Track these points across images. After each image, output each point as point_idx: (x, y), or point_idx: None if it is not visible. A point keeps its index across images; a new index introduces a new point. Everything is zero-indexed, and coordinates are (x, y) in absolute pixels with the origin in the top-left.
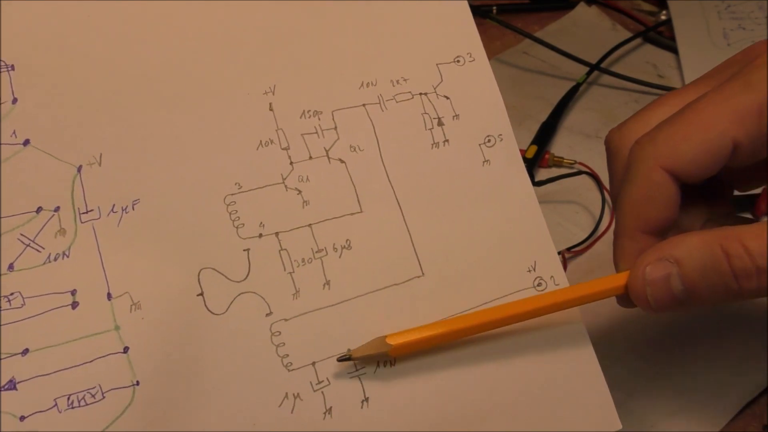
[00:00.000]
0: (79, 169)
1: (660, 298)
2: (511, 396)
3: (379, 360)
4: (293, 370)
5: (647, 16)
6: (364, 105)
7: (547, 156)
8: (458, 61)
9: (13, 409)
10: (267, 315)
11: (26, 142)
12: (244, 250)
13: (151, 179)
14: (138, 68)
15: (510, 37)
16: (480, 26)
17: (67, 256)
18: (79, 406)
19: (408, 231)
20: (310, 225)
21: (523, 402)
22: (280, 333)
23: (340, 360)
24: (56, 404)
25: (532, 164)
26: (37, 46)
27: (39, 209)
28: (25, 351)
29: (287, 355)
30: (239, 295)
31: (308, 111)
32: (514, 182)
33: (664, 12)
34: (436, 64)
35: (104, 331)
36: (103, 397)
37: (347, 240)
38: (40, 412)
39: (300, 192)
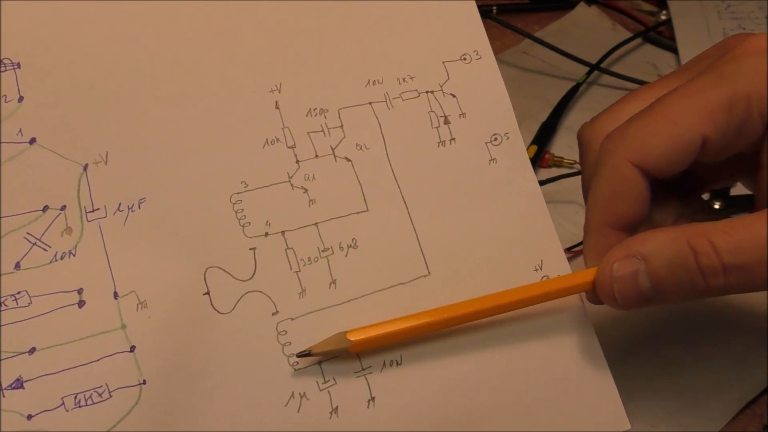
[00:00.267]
0: (86, 167)
1: (627, 296)
2: (518, 396)
3: (339, 356)
4: (299, 369)
5: (647, 16)
6: (370, 103)
7: (547, 156)
8: (465, 59)
9: (20, 408)
10: (273, 314)
11: (32, 141)
12: (250, 249)
13: (157, 178)
14: (144, 66)
15: (510, 37)
16: None
17: (74, 255)
18: (86, 405)
19: (414, 230)
20: (316, 224)
21: (530, 402)
22: (286, 332)
23: (299, 356)
24: (63, 403)
25: (532, 164)
26: (43, 44)
27: (45, 208)
28: (32, 350)
29: (293, 354)
30: (245, 294)
31: (314, 109)
32: (521, 181)
33: (664, 12)
34: (443, 62)
35: (111, 330)
36: (110, 396)
37: (353, 239)
38: (47, 410)
39: (306, 190)
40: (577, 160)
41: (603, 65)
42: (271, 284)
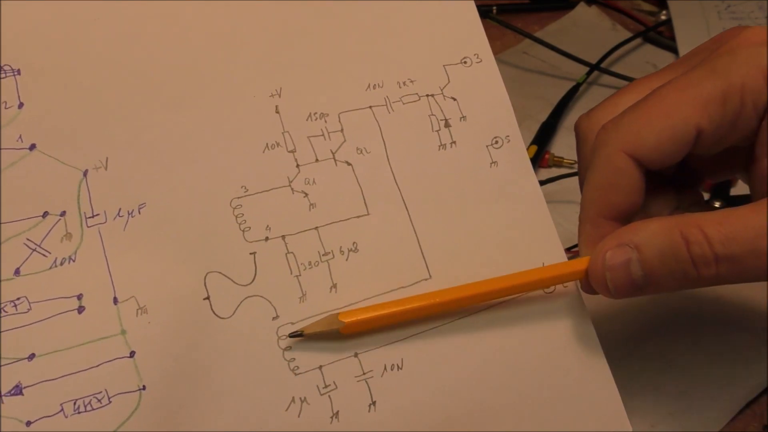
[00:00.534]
0: (85, 173)
1: (619, 284)
2: (518, 398)
3: (331, 338)
4: (300, 374)
5: (647, 16)
6: (370, 107)
7: (547, 156)
8: (465, 62)
9: (20, 414)
10: (274, 319)
11: (32, 147)
12: (250, 254)
13: (157, 183)
14: (144, 72)
15: (510, 37)
16: None
17: (73, 261)
18: (86, 411)
19: (415, 233)
20: (316, 228)
21: (531, 403)
22: (286, 337)
23: (291, 336)
24: (62, 409)
25: (532, 164)
26: (43, 50)
27: (45, 214)
28: (32, 356)
29: (294, 359)
30: (246, 298)
31: (314, 113)
32: (522, 183)
33: (664, 12)
34: (443, 66)
35: (110, 336)
36: (110, 402)
37: (354, 243)
38: (47, 417)
39: (306, 195)
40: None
41: (603, 65)
42: (271, 289)
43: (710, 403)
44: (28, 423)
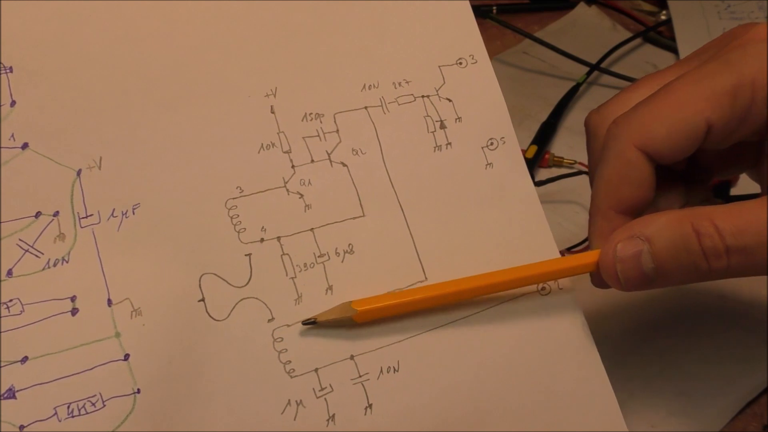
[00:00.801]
0: (79, 172)
1: (630, 276)
2: (514, 400)
3: (344, 325)
4: (296, 376)
5: (647, 16)
6: (366, 108)
7: (547, 156)
8: (461, 63)
9: (13, 418)
10: (269, 321)
11: (25, 146)
12: (245, 255)
13: (151, 183)
14: (138, 71)
15: (510, 37)
16: (480, 26)
17: (67, 262)
18: (80, 415)
19: (411, 235)
20: (312, 229)
21: (527, 405)
22: (282, 339)
23: (305, 323)
24: (56, 413)
25: (532, 164)
26: (36, 48)
27: (38, 214)
28: (25, 359)
29: (290, 362)
30: (241, 300)
31: (310, 114)
32: (517, 185)
33: (664, 12)
34: (439, 66)
35: (105, 338)
36: (104, 406)
37: (350, 244)
38: (40, 420)
39: (302, 196)
40: (577, 160)
41: (603, 65)
42: (266, 291)
43: (710, 403)
44: (22, 427)
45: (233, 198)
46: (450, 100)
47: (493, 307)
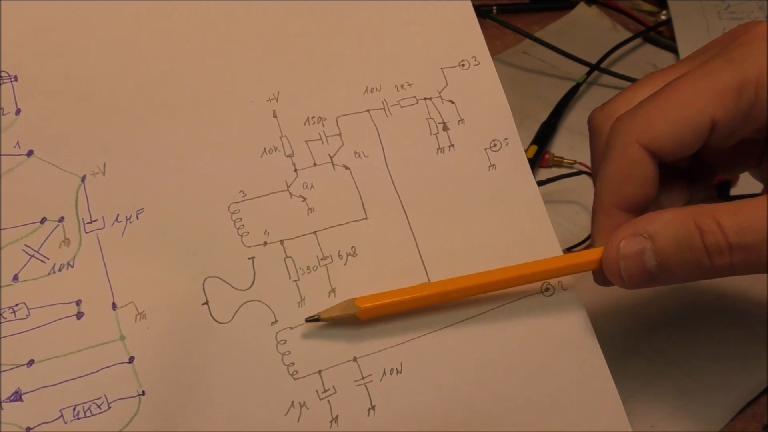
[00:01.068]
0: (83, 179)
1: (633, 273)
2: (518, 401)
3: (347, 323)
4: (299, 378)
5: (647, 16)
6: (368, 111)
7: (547, 156)
8: (463, 65)
9: (19, 421)
10: (272, 323)
11: (30, 153)
12: (248, 258)
13: (155, 188)
14: (141, 77)
15: (510, 37)
16: (480, 26)
17: (72, 267)
18: (85, 417)
19: (414, 237)
20: (315, 232)
21: (531, 406)
22: (285, 341)
23: (308, 320)
24: (62, 415)
25: (532, 164)
26: (40, 56)
27: (43, 220)
28: (31, 362)
29: (293, 364)
30: (244, 303)
31: (312, 117)
32: (521, 186)
33: (664, 12)
34: (441, 69)
35: (109, 341)
36: (109, 408)
37: (353, 247)
38: (46, 422)
39: (305, 199)
40: (577, 160)
41: (603, 65)
42: (270, 293)
43: (710, 403)
44: (28, 429)
45: (236, 202)
46: (452, 102)
47: (496, 308)
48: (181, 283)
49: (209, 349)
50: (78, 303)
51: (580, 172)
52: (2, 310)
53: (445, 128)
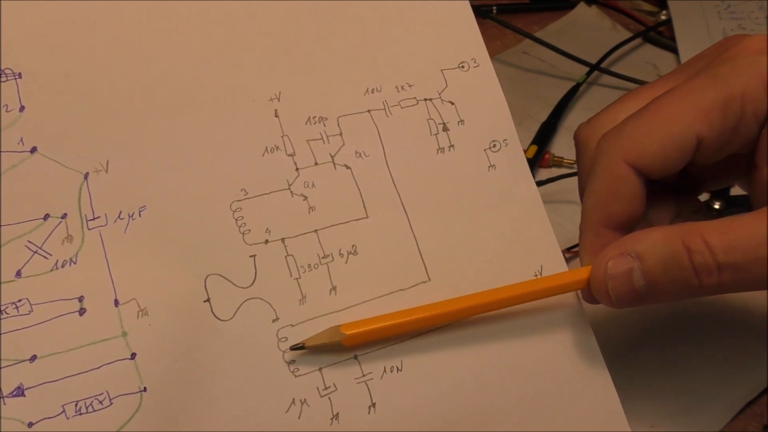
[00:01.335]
0: (86, 176)
1: (621, 294)
2: (518, 402)
3: (333, 350)
4: (300, 375)
5: (647, 16)
6: (369, 111)
7: (547, 156)
8: (463, 67)
9: (21, 416)
10: (273, 321)
11: (33, 150)
12: (250, 256)
13: (157, 186)
14: (144, 75)
15: (510, 37)
16: (480, 26)
17: (75, 263)
18: (87, 413)
19: (414, 236)
20: (316, 231)
21: (531, 407)
22: (286, 339)
23: (292, 348)
24: (64, 411)
25: (532, 164)
26: (44, 53)
27: (46, 216)
28: (33, 357)
29: (294, 361)
30: (246, 301)
31: (313, 117)
32: (520, 187)
33: (664, 12)
34: (441, 70)
35: (111, 338)
36: (111, 404)
37: (353, 245)
38: (48, 418)
39: (306, 198)
40: None
41: (603, 65)
42: (271, 291)
43: (710, 403)
44: (30, 424)
45: (238, 200)
46: (452, 103)
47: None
48: (183, 280)
49: (211, 346)
50: (80, 299)
51: None
52: (5, 306)
53: (445, 129)
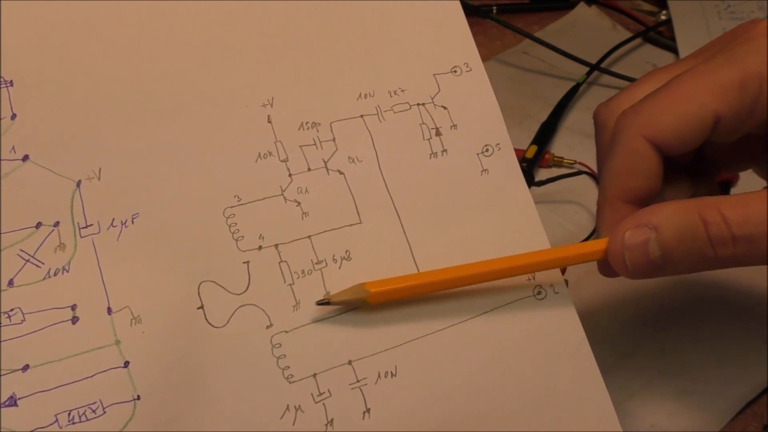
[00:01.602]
0: (79, 183)
1: (637, 264)
2: (511, 403)
3: (357, 307)
4: (294, 382)
5: (647, 16)
6: (362, 116)
7: (547, 156)
8: (455, 72)
9: (14, 426)
10: (267, 327)
11: (25, 158)
12: (243, 263)
13: (150, 193)
14: (136, 82)
15: (510, 37)
16: (480, 26)
17: (67, 271)
18: (80, 422)
19: (407, 241)
20: (309, 236)
21: (524, 408)
22: (280, 345)
23: (318, 303)
24: (57, 420)
25: (532, 164)
26: (36, 61)
27: (39, 224)
28: (26, 367)
29: (288, 367)
30: (239, 307)
31: (306, 123)
32: (513, 191)
33: (664, 12)
34: (434, 75)
35: (105, 346)
36: (104, 412)
37: (347, 251)
38: (41, 428)
39: (299, 204)
40: (577, 160)
41: (603, 65)
42: (265, 297)
43: (710, 403)
44: None
45: (231, 207)
46: (445, 108)
47: (489, 312)
48: (177, 287)
49: (204, 354)
50: (73, 308)
51: (580, 172)
52: None
53: (438, 133)
